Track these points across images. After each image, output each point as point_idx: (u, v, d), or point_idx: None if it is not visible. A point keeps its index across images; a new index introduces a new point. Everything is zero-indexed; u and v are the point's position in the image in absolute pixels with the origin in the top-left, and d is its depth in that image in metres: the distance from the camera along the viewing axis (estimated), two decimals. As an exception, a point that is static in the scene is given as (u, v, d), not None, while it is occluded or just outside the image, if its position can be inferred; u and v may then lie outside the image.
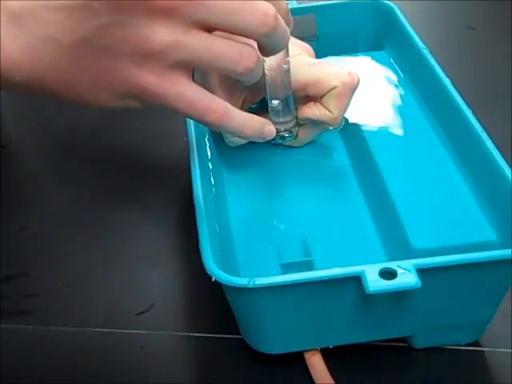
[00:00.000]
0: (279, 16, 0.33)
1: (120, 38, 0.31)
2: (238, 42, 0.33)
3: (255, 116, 0.36)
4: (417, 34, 0.48)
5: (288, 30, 0.35)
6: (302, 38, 0.46)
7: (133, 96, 0.33)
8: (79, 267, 0.42)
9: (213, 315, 0.38)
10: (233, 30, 0.32)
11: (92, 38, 0.31)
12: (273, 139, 0.40)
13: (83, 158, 0.48)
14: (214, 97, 0.34)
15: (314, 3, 0.51)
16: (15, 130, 0.52)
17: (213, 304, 0.38)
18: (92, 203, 0.45)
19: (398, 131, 0.43)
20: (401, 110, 0.45)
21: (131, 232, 0.44)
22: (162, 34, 0.31)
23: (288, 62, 0.39)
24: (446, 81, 0.43)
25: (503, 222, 0.36)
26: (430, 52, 0.46)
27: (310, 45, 0.46)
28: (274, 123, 0.41)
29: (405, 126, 0.44)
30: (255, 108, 0.44)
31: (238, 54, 0.32)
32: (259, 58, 0.33)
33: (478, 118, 0.40)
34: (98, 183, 0.47)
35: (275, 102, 0.41)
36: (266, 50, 0.35)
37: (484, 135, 0.39)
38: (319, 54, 0.47)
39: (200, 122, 0.34)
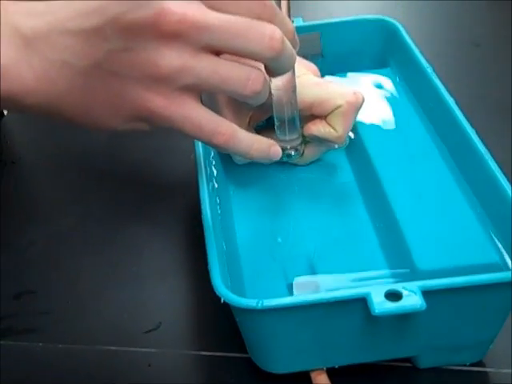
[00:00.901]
0: (285, 39, 0.33)
1: (130, 62, 0.32)
2: (245, 64, 0.33)
3: (262, 138, 0.37)
4: (421, 52, 0.48)
5: (294, 52, 0.35)
6: (307, 56, 0.47)
7: (142, 119, 0.33)
8: (87, 284, 0.42)
9: (220, 334, 0.39)
10: (240, 54, 0.32)
11: (103, 62, 0.32)
12: (280, 158, 0.40)
13: (92, 173, 0.49)
14: (222, 119, 0.34)
15: (320, 21, 0.52)
16: (25, 146, 0.53)
17: (220, 322, 0.39)
18: (101, 219, 0.46)
19: (403, 150, 0.44)
20: (405, 128, 0.46)
21: (139, 248, 0.44)
22: (170, 58, 0.31)
23: (294, 82, 0.40)
24: (450, 100, 0.44)
25: (506, 244, 0.36)
26: (434, 70, 0.47)
27: (316, 62, 0.47)
28: (281, 141, 0.42)
29: (409, 144, 0.44)
30: (262, 126, 0.44)
31: (245, 77, 0.33)
32: (266, 80, 0.34)
33: (482, 138, 0.41)
34: (107, 199, 0.47)
35: (281, 121, 0.41)
36: (272, 71, 0.35)
37: (488, 156, 0.39)
38: (324, 71, 0.48)
39: (208, 144, 0.35)
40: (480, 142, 0.40)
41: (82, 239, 0.45)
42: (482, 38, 0.62)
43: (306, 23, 0.51)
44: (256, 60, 0.33)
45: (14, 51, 0.32)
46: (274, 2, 0.35)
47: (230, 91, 0.33)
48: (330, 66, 0.51)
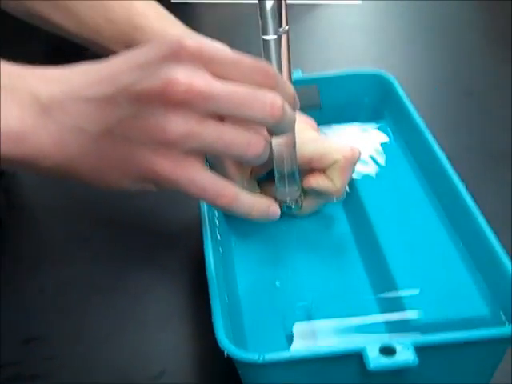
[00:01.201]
0: (286, 105, 0.35)
1: (139, 128, 0.34)
2: (248, 128, 0.35)
3: (261, 198, 0.39)
4: (414, 105, 0.51)
5: (294, 115, 0.38)
6: (306, 107, 0.49)
7: (149, 180, 0.35)
8: (93, 331, 0.44)
9: (223, 383, 0.40)
10: (242, 120, 0.35)
11: (115, 128, 0.34)
12: (280, 209, 0.42)
13: (99, 220, 0.51)
14: (225, 183, 0.36)
15: (318, 73, 0.54)
16: (34, 192, 0.54)
17: (223, 371, 0.40)
18: (107, 265, 0.48)
19: (397, 203, 0.46)
20: (399, 181, 0.48)
21: (144, 294, 0.46)
22: (177, 125, 0.33)
23: (294, 139, 0.42)
24: (442, 156, 0.46)
25: (496, 299, 0.38)
26: (427, 124, 0.49)
27: (313, 113, 0.49)
28: (281, 193, 0.44)
29: (403, 197, 0.47)
30: (263, 178, 0.46)
31: (247, 142, 0.35)
32: (266, 144, 0.36)
33: (473, 188, 0.43)
34: (113, 245, 0.49)
35: (282, 174, 0.43)
36: (273, 132, 0.37)
37: (477, 212, 0.41)
38: (322, 122, 0.51)
39: (211, 205, 0.37)
40: (469, 196, 0.42)
41: (88, 285, 0.46)
42: (476, 87, 0.64)
43: (305, 75, 0.54)
44: (258, 125, 0.35)
45: (32, 117, 0.34)
46: (275, 69, 0.37)
47: (232, 155, 0.36)
48: (327, 116, 0.53)
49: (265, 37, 0.38)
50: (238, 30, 0.79)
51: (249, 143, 0.35)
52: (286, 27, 0.37)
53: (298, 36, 0.71)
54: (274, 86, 0.35)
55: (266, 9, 0.37)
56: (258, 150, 0.35)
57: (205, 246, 0.40)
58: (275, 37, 0.38)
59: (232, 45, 0.74)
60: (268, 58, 0.38)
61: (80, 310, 0.45)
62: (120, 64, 0.34)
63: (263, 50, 0.38)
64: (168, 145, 0.34)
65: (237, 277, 0.43)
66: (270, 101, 0.34)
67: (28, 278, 0.47)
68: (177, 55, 0.33)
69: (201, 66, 0.33)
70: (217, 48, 0.34)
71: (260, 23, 0.37)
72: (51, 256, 0.49)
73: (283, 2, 0.37)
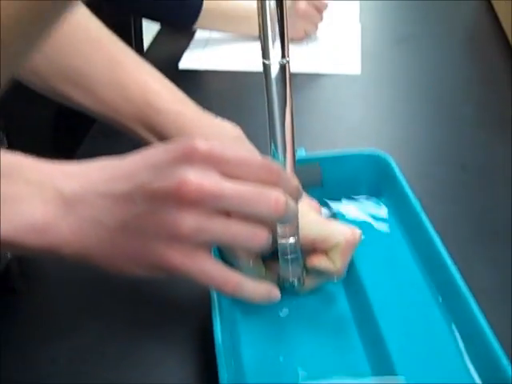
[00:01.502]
0: (289, 199, 0.38)
1: (154, 223, 0.37)
2: (252, 220, 0.38)
3: (263, 284, 0.42)
4: (409, 181, 0.54)
5: (297, 207, 0.41)
6: (308, 184, 0.52)
7: (161, 270, 0.39)
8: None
9: None
10: (248, 216, 0.38)
11: (130, 222, 0.37)
12: (283, 286, 0.45)
13: (111, 292, 0.53)
14: (230, 272, 0.40)
15: (320, 152, 0.57)
16: (45, 262, 0.56)
17: None
18: (117, 337, 0.50)
19: (394, 282, 0.49)
20: (396, 260, 0.51)
21: (152, 365, 0.48)
22: (189, 221, 0.36)
23: (297, 224, 0.44)
24: (435, 237, 0.48)
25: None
26: (421, 198, 0.52)
27: (315, 191, 0.52)
28: (284, 271, 0.47)
29: (399, 276, 0.49)
30: (267, 257, 0.49)
31: (252, 234, 0.38)
32: (270, 234, 0.39)
33: (468, 271, 0.46)
34: (124, 317, 0.51)
35: (285, 254, 0.46)
36: (277, 223, 0.41)
37: (468, 293, 0.44)
38: (323, 198, 0.53)
39: (218, 290, 0.40)
40: (462, 279, 0.45)
41: (100, 357, 0.48)
42: (472, 162, 0.67)
43: (308, 154, 0.57)
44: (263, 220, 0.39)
45: (54, 210, 0.37)
46: (279, 166, 0.40)
47: (238, 246, 0.39)
48: (328, 193, 0.56)
49: (265, 61, 0.37)
50: (244, 98, 0.82)
51: (253, 235, 0.38)
52: (288, 59, 0.37)
53: (300, 108, 0.74)
54: (277, 181, 0.38)
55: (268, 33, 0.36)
56: (261, 241, 0.38)
57: (213, 322, 0.42)
58: (276, 63, 0.37)
59: (237, 112, 0.78)
60: (268, 84, 0.38)
61: (91, 381, 0.47)
62: (137, 162, 0.38)
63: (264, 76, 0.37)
64: (180, 239, 0.37)
65: (242, 350, 0.45)
66: (274, 198, 0.37)
67: (40, 347, 0.49)
68: (189, 157, 0.36)
69: (211, 167, 0.37)
70: (225, 149, 0.37)
71: (261, 46, 0.36)
72: (63, 326, 0.51)
73: (285, 31, 0.36)
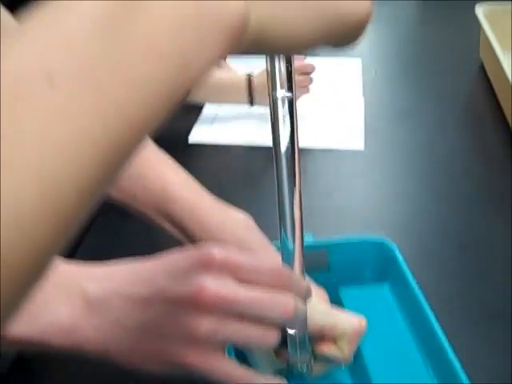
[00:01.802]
0: (298, 302, 0.42)
1: (172, 325, 0.40)
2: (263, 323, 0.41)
3: (271, 379, 0.45)
4: (411, 269, 0.56)
5: (305, 309, 0.44)
6: (315, 269, 0.54)
7: (177, 368, 0.41)
8: None
9: None
10: (259, 319, 0.41)
11: (149, 323, 0.40)
12: (292, 372, 0.48)
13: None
14: (243, 370, 0.43)
15: (327, 240, 0.60)
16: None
17: None
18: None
19: (397, 368, 0.51)
20: (398, 347, 0.53)
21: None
22: (206, 324, 0.40)
23: (306, 313, 0.47)
24: (437, 326, 0.51)
25: None
26: (422, 281, 0.54)
27: (323, 275, 0.55)
28: (293, 358, 0.49)
29: (402, 363, 0.52)
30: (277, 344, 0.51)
31: (262, 335, 0.42)
32: (278, 335, 0.42)
33: (466, 355, 0.48)
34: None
35: (294, 342, 0.48)
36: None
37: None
38: (331, 283, 0.56)
39: None
40: (460, 367, 0.47)
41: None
42: (470, 239, 0.70)
43: (316, 240, 0.60)
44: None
45: (79, 310, 0.40)
46: (288, 270, 0.43)
47: (250, 346, 0.42)
48: (336, 277, 0.59)
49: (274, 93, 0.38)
50: (251, 172, 0.85)
51: (264, 336, 0.41)
52: (290, 94, 0.38)
53: (305, 183, 0.77)
54: (287, 285, 0.42)
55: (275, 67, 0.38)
56: (271, 340, 0.42)
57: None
58: (282, 96, 0.38)
59: (245, 185, 0.81)
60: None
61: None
62: (157, 267, 0.41)
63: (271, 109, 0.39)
64: (198, 339, 0.40)
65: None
66: (284, 303, 0.41)
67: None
68: (207, 265, 0.39)
69: (227, 274, 0.40)
70: (240, 257, 0.41)
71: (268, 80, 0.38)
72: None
73: (293, 68, 0.38)
